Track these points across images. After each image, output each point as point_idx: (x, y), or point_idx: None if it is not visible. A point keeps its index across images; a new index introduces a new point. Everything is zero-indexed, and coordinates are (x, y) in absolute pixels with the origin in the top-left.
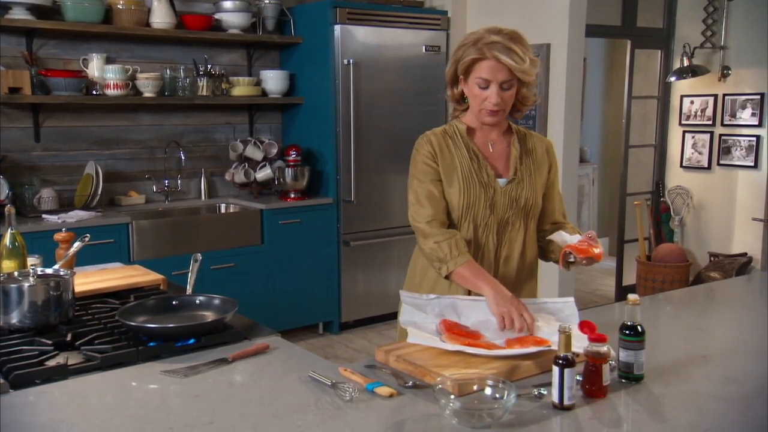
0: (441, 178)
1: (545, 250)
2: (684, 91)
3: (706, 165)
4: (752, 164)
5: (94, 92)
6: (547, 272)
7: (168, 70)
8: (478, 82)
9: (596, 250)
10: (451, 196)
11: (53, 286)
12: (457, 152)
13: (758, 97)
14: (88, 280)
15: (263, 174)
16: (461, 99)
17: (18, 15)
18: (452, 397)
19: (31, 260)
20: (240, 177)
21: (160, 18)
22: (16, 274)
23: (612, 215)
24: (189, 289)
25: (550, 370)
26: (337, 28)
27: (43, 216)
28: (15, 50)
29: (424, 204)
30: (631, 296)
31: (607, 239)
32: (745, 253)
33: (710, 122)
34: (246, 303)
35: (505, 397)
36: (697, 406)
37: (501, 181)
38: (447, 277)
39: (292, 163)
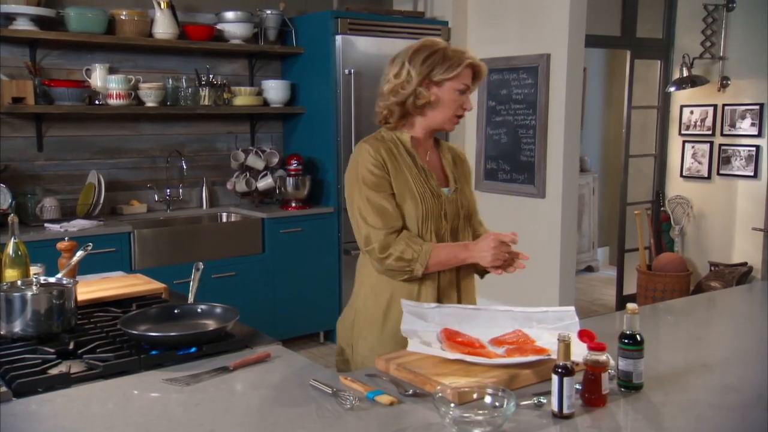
0: (392, 190)
1: None
2: (684, 101)
3: (706, 175)
4: (752, 174)
5: (97, 102)
6: (548, 281)
7: (170, 80)
8: (460, 87)
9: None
10: (408, 210)
11: (56, 295)
12: (404, 164)
13: (757, 107)
14: (91, 288)
15: (264, 183)
16: (404, 113)
17: (22, 26)
18: (452, 405)
19: (33, 269)
20: (241, 186)
21: (163, 28)
22: (19, 283)
23: (612, 225)
24: (190, 298)
25: (550, 379)
26: (339, 38)
27: (46, 225)
28: (18, 60)
29: (375, 223)
30: (630, 305)
31: (607, 249)
32: (746, 263)
33: (710, 132)
34: (247, 311)
35: (504, 406)
36: (695, 414)
37: (446, 191)
38: (425, 274)
39: (293, 173)
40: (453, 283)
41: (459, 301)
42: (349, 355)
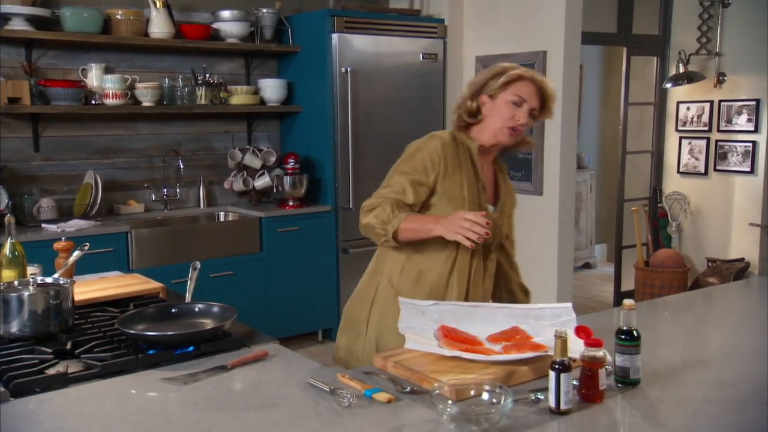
0: (432, 185)
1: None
2: (680, 98)
3: (702, 171)
4: (749, 169)
5: (93, 102)
6: (546, 278)
7: (167, 80)
8: (514, 99)
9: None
10: (449, 212)
11: (53, 295)
12: (466, 168)
13: (754, 102)
14: (88, 288)
15: (262, 182)
16: (475, 113)
17: (17, 26)
18: (450, 402)
19: (30, 269)
20: (239, 185)
21: (159, 28)
22: (16, 283)
23: (610, 221)
24: (188, 297)
25: (547, 375)
26: (335, 36)
27: (43, 225)
28: (14, 61)
29: (387, 191)
30: (627, 301)
31: (605, 245)
32: (743, 258)
33: (706, 128)
34: (245, 310)
35: (502, 402)
36: (692, 410)
37: (491, 208)
38: (394, 238)
39: (290, 171)
40: (481, 277)
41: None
42: (362, 331)
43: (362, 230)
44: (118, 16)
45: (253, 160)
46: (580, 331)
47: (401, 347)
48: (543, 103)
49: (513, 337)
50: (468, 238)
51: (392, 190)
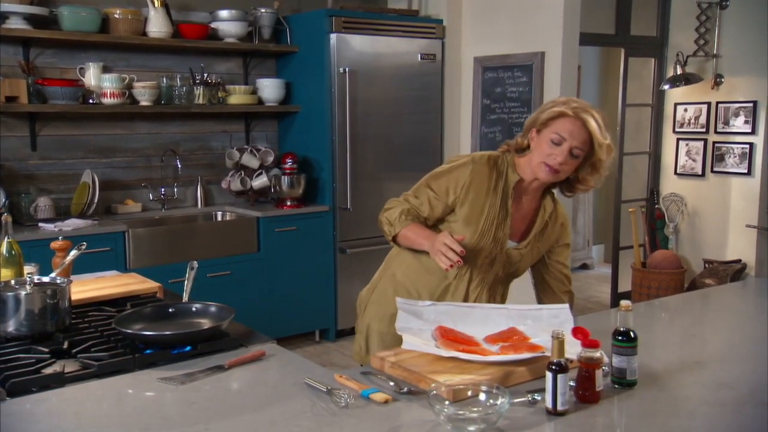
0: (450, 206)
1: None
2: (677, 99)
3: (700, 172)
4: (746, 171)
5: (91, 101)
6: None
7: (165, 79)
8: (553, 137)
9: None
10: (462, 235)
11: (50, 295)
12: (493, 198)
13: (751, 104)
14: (85, 288)
15: (259, 182)
16: (523, 149)
17: (15, 24)
18: (447, 402)
19: (27, 269)
20: (236, 185)
21: (157, 27)
22: (12, 282)
23: (607, 222)
24: (185, 297)
25: (544, 376)
26: (333, 36)
27: (40, 224)
28: (12, 59)
29: (410, 198)
30: (624, 302)
31: (602, 246)
32: (740, 260)
33: (704, 130)
34: (242, 310)
35: (499, 403)
36: (689, 411)
37: (510, 243)
38: (394, 240)
39: (288, 171)
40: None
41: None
42: (360, 312)
43: (378, 224)
44: (116, 15)
45: (250, 160)
46: (577, 332)
47: (386, 334)
48: (590, 142)
49: (510, 337)
50: (442, 261)
51: (414, 198)
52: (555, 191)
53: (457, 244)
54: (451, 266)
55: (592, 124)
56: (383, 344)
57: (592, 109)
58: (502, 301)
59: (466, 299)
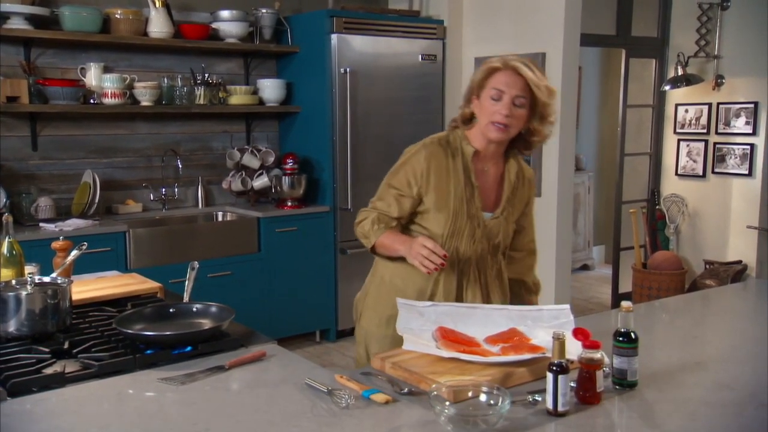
0: (416, 197)
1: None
2: (678, 100)
3: (700, 173)
4: (746, 172)
5: (92, 101)
6: (544, 280)
7: (165, 79)
8: (492, 93)
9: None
10: (437, 222)
11: (51, 295)
12: (455, 176)
13: (752, 105)
14: (86, 288)
15: (260, 182)
16: (470, 118)
17: (16, 25)
18: (447, 403)
19: (28, 268)
20: (237, 185)
21: (158, 27)
22: (13, 282)
23: (608, 223)
24: (186, 297)
25: (545, 377)
26: (334, 37)
27: (41, 224)
28: (13, 59)
29: (376, 204)
30: (624, 303)
31: (603, 247)
32: (740, 261)
33: (704, 131)
34: (243, 311)
35: (499, 404)
36: (689, 412)
37: (486, 215)
38: (372, 251)
39: (288, 172)
40: (476, 286)
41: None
42: (356, 325)
43: (357, 236)
44: (117, 16)
45: (251, 160)
46: (578, 332)
47: (385, 337)
48: (528, 87)
49: (511, 338)
50: (425, 266)
51: (380, 202)
52: (516, 155)
53: (439, 248)
54: (435, 269)
55: (525, 70)
56: (383, 348)
57: (522, 58)
58: (498, 273)
59: (459, 283)
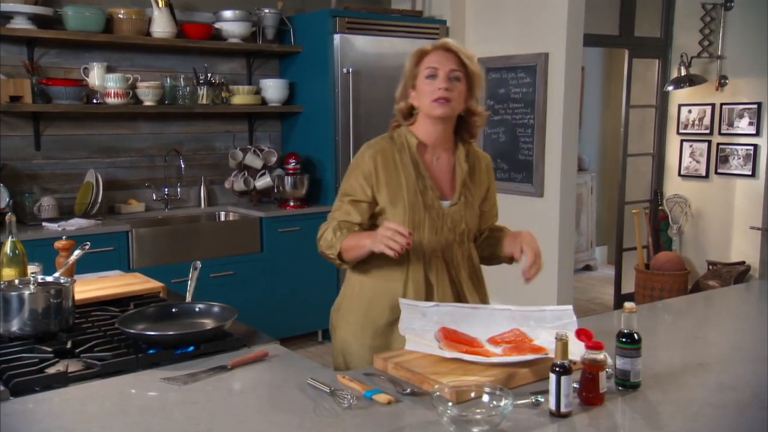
0: (371, 199)
1: (490, 258)
2: (682, 100)
3: (703, 174)
4: (750, 173)
5: (95, 101)
6: (546, 280)
7: (168, 79)
8: (427, 73)
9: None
10: (395, 217)
11: (53, 294)
12: (404, 170)
13: (755, 106)
14: (88, 287)
15: (263, 182)
16: (409, 113)
17: (19, 24)
18: (450, 404)
19: (31, 268)
20: (239, 185)
21: (161, 27)
22: (16, 282)
23: (610, 224)
24: (188, 297)
25: (547, 378)
26: (337, 37)
27: (44, 224)
28: (16, 59)
29: (333, 214)
30: (628, 304)
31: (605, 248)
32: (743, 262)
33: (708, 131)
34: (245, 311)
35: (502, 405)
36: (692, 413)
37: (444, 204)
38: (340, 258)
39: (291, 172)
40: (445, 280)
41: (460, 300)
42: (332, 336)
43: (322, 255)
44: (120, 16)
45: (254, 160)
46: (581, 333)
47: (363, 345)
48: (460, 61)
49: (513, 339)
50: (391, 248)
51: (339, 212)
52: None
53: (402, 227)
54: (402, 249)
55: (453, 44)
56: (362, 357)
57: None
58: (468, 262)
59: (427, 279)
